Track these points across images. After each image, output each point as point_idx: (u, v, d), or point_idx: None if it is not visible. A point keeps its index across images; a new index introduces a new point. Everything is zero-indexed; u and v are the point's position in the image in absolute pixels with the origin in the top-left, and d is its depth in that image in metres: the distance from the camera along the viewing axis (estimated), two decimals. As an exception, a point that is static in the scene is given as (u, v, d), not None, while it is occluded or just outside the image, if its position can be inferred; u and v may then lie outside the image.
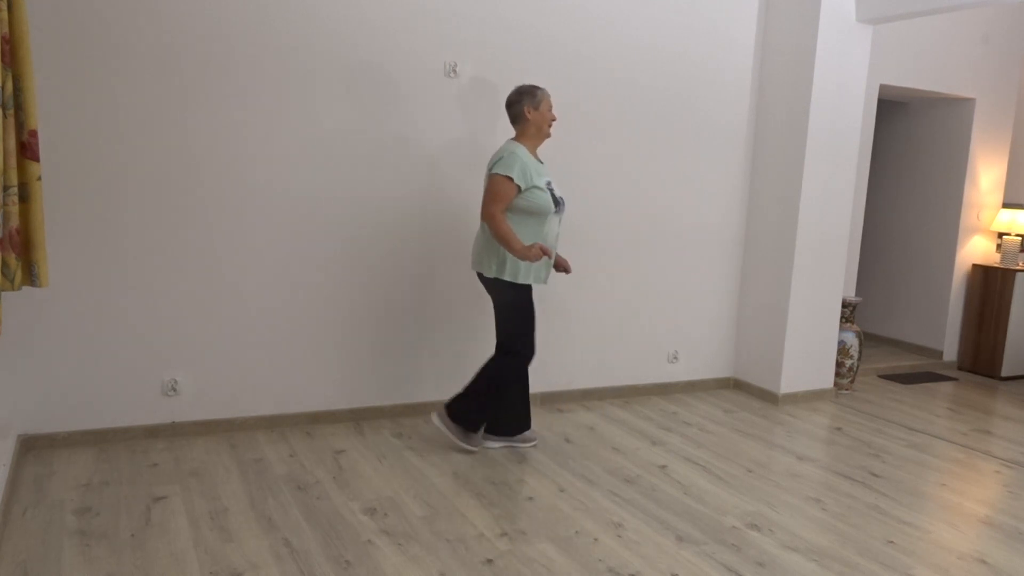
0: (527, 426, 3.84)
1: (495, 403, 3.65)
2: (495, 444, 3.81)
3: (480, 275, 3.64)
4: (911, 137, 6.33)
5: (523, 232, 3.50)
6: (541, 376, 4.54)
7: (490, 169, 3.50)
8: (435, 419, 3.69)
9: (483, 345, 4.34)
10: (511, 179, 3.42)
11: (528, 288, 3.61)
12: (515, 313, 3.60)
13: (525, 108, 3.55)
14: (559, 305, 4.53)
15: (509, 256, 3.52)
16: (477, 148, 4.17)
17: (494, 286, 3.60)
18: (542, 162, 3.66)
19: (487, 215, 3.45)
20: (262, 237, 3.77)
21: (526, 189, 3.46)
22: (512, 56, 4.19)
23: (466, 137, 4.14)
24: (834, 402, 4.98)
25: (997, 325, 5.86)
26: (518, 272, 3.54)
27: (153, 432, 3.69)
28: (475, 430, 3.68)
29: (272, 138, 3.73)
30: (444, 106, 4.07)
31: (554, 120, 3.62)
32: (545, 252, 3.43)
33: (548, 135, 3.63)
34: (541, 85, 4.25)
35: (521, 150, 3.52)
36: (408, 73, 3.96)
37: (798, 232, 4.72)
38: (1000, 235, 6.12)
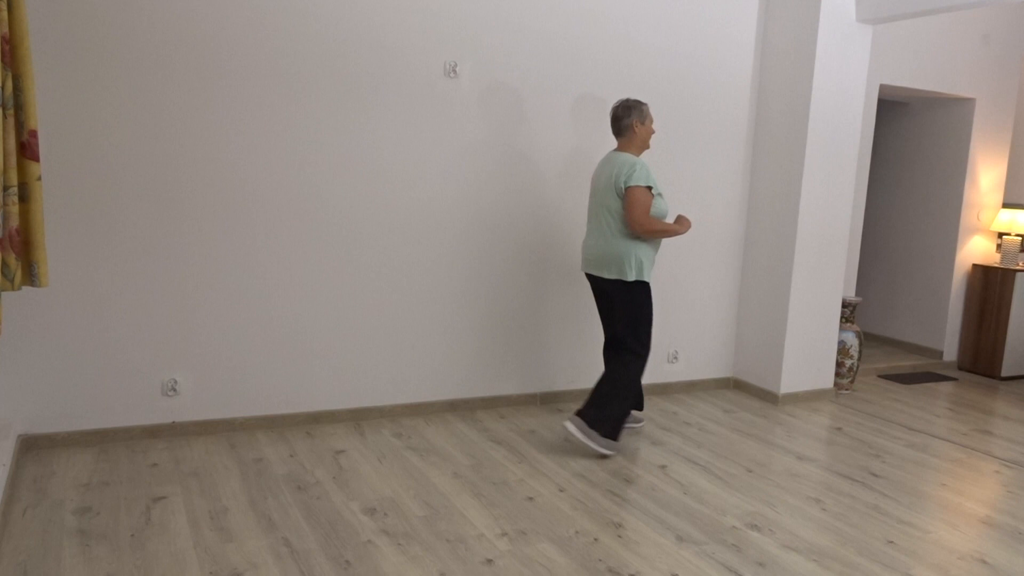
0: (639, 407, 4.04)
1: (626, 401, 3.69)
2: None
3: (610, 280, 3.66)
4: (911, 137, 6.33)
5: (643, 239, 3.60)
6: (541, 376, 4.55)
7: (623, 184, 3.53)
8: (570, 428, 3.65)
9: (481, 344, 4.35)
10: (649, 188, 3.52)
11: (648, 286, 3.69)
12: (645, 311, 3.69)
13: (634, 122, 3.64)
14: (559, 305, 4.53)
15: (636, 258, 3.58)
16: (480, 150, 4.17)
17: (623, 289, 3.64)
18: None
19: (642, 230, 3.52)
20: (261, 237, 3.78)
21: (655, 196, 3.58)
22: (512, 56, 4.19)
23: (469, 138, 4.14)
24: (834, 402, 4.98)
25: (997, 325, 5.86)
26: (642, 271, 3.62)
27: (153, 432, 3.69)
28: (615, 436, 3.69)
29: (269, 137, 3.73)
30: (445, 107, 4.07)
31: (654, 133, 3.76)
32: (687, 220, 3.65)
33: (649, 147, 3.76)
34: (549, 83, 4.27)
35: (641, 160, 3.61)
36: (408, 73, 3.96)
37: (798, 232, 4.72)
38: (1000, 235, 6.12)
